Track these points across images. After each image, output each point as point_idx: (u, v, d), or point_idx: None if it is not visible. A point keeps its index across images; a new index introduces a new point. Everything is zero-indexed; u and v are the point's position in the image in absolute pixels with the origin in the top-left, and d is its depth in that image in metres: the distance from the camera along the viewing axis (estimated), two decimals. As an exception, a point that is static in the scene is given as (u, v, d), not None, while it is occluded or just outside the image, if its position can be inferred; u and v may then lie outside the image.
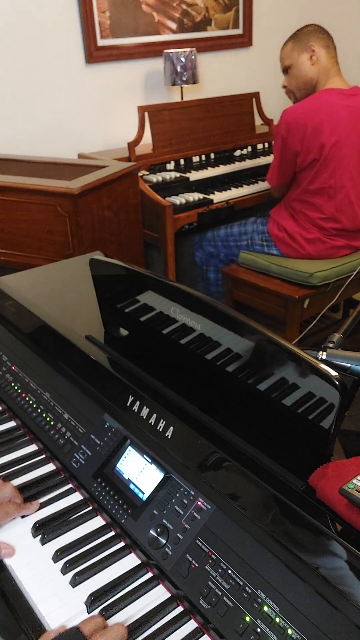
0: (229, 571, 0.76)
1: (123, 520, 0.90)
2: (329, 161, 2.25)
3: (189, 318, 0.96)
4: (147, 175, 2.76)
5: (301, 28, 2.42)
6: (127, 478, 0.94)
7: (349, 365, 0.91)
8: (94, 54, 2.91)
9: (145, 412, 0.97)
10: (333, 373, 0.78)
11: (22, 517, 0.96)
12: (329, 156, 2.24)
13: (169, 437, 0.92)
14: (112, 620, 0.79)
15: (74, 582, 0.84)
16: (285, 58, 2.44)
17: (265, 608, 0.71)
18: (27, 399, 1.16)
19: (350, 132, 2.26)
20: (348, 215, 2.35)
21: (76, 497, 1.00)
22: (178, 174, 2.79)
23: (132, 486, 0.92)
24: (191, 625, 0.78)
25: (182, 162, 2.90)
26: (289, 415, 0.86)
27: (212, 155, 3.00)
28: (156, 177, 2.73)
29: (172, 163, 2.87)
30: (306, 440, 0.85)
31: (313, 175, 2.29)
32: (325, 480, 0.78)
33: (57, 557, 0.88)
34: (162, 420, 0.94)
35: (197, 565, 0.79)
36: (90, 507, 0.98)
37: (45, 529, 0.93)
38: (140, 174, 2.62)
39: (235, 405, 0.96)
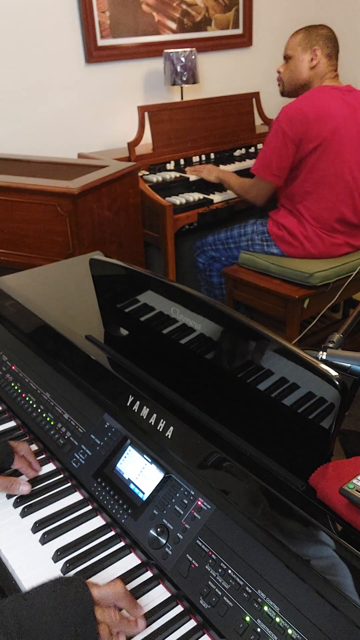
0: (229, 571, 0.76)
1: (123, 520, 0.90)
2: (329, 148, 2.26)
3: (189, 318, 0.96)
4: (147, 175, 2.76)
5: (316, 25, 2.43)
6: (127, 478, 0.94)
7: (349, 365, 0.91)
8: (94, 54, 2.91)
9: (145, 412, 0.97)
10: (333, 373, 0.78)
11: (22, 516, 0.96)
12: (330, 143, 2.25)
13: (169, 437, 0.92)
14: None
15: (74, 582, 0.84)
16: (290, 48, 2.45)
17: (265, 608, 0.71)
18: (27, 399, 1.16)
19: (347, 123, 2.27)
20: (348, 205, 2.35)
21: (76, 496, 1.00)
22: (178, 174, 2.79)
23: (132, 486, 0.92)
24: (191, 624, 0.78)
25: (182, 162, 2.90)
26: (289, 415, 0.86)
27: (212, 155, 3.01)
28: (156, 177, 2.73)
29: (172, 163, 2.87)
30: (306, 440, 0.85)
31: (313, 163, 2.29)
32: (325, 480, 0.78)
33: (57, 556, 0.88)
34: (162, 420, 0.94)
35: (197, 565, 0.79)
36: (90, 507, 0.98)
37: (45, 529, 0.93)
38: (140, 174, 2.62)
39: (235, 405, 0.96)
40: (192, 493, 0.85)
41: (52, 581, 0.71)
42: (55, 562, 0.88)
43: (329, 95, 2.30)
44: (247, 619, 0.72)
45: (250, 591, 0.73)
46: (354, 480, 0.74)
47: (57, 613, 0.65)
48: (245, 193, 2.57)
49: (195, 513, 0.83)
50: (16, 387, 1.20)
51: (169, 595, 0.82)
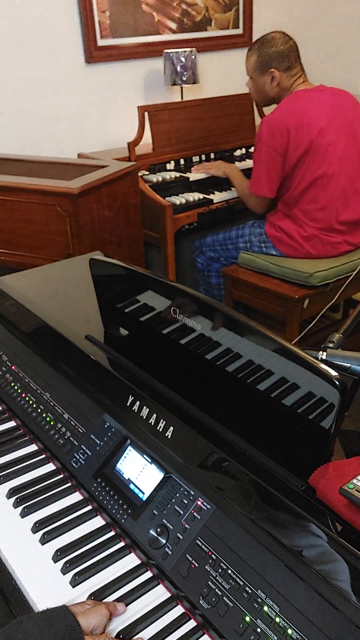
0: (229, 571, 0.76)
1: (123, 520, 0.90)
2: (318, 151, 2.27)
3: (189, 318, 0.96)
4: (147, 175, 2.76)
5: (267, 40, 2.40)
6: (127, 478, 0.94)
7: (349, 365, 0.91)
8: (94, 54, 2.91)
9: (145, 412, 0.97)
10: (333, 373, 0.78)
11: (22, 516, 0.96)
12: (317, 145, 2.26)
13: (169, 437, 0.92)
14: (113, 621, 0.79)
15: (74, 582, 0.84)
16: (249, 69, 2.47)
17: (265, 608, 0.71)
18: (27, 399, 1.16)
19: (330, 123, 2.27)
20: (342, 202, 2.35)
21: (76, 497, 1.00)
22: (178, 174, 2.79)
23: (132, 486, 0.92)
24: (191, 625, 0.78)
25: (182, 162, 2.90)
26: (289, 415, 0.86)
27: (212, 155, 3.00)
28: (156, 177, 2.73)
29: (172, 163, 2.87)
30: (306, 440, 0.85)
31: (305, 168, 2.30)
32: (325, 480, 0.78)
33: (57, 557, 0.88)
34: (162, 420, 0.94)
35: (197, 565, 0.79)
36: (90, 507, 0.98)
37: (45, 529, 0.93)
38: (140, 174, 2.62)
39: (235, 405, 0.96)
40: (192, 493, 0.85)
41: (40, 613, 0.74)
42: (55, 562, 0.88)
43: (306, 99, 2.31)
44: (247, 619, 0.72)
45: (250, 591, 0.73)
46: (354, 480, 0.74)
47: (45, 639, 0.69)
48: (243, 199, 2.60)
49: (195, 513, 0.83)
50: (16, 387, 1.20)
51: (169, 595, 0.82)
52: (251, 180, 2.46)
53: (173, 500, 0.86)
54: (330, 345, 0.99)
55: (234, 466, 0.84)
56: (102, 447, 0.99)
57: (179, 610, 0.80)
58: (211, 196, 2.71)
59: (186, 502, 0.85)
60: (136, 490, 0.92)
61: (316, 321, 2.33)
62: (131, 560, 0.88)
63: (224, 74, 3.44)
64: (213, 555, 0.79)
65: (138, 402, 0.99)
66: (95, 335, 1.18)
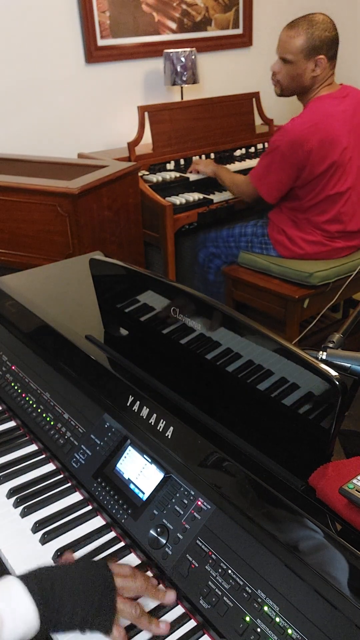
0: (229, 571, 0.76)
1: (123, 520, 0.90)
2: (336, 171, 2.25)
3: (189, 318, 0.96)
4: (147, 175, 2.76)
5: (317, 22, 2.19)
6: (127, 478, 0.94)
7: (349, 365, 0.91)
8: (94, 54, 2.91)
9: (145, 412, 0.97)
10: (333, 373, 0.78)
11: (22, 516, 0.96)
12: (336, 166, 2.24)
13: (169, 437, 0.92)
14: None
15: (74, 582, 0.84)
16: (290, 52, 2.22)
17: (265, 608, 0.71)
18: (27, 399, 1.16)
19: (350, 136, 2.25)
20: (350, 215, 2.35)
21: (76, 497, 1.00)
22: (178, 174, 2.79)
23: (132, 486, 0.92)
24: (191, 624, 0.78)
25: (182, 162, 2.90)
26: (289, 415, 0.86)
27: (212, 155, 3.00)
28: (156, 177, 2.73)
29: (172, 163, 2.87)
30: (306, 440, 0.85)
31: (321, 186, 2.27)
32: (325, 480, 0.78)
33: (57, 557, 0.88)
34: (162, 420, 0.94)
35: (197, 565, 0.79)
36: (90, 507, 0.98)
37: (45, 529, 0.93)
38: (140, 174, 2.62)
39: (235, 405, 0.96)
40: (192, 493, 0.85)
41: (82, 560, 0.82)
42: (55, 562, 0.88)
43: (329, 112, 2.21)
44: (247, 619, 0.72)
45: (250, 591, 0.73)
46: (354, 480, 0.74)
47: (84, 583, 0.75)
48: (235, 187, 2.57)
49: (195, 513, 0.83)
50: (16, 387, 1.20)
51: (169, 595, 0.82)
52: (256, 174, 2.39)
53: (173, 500, 0.86)
54: (330, 345, 0.99)
55: (234, 466, 0.84)
56: (102, 447, 0.99)
57: (179, 610, 0.80)
58: (211, 196, 2.71)
59: (186, 502, 0.85)
60: (136, 490, 0.92)
61: (316, 321, 2.33)
62: (131, 561, 0.88)
63: (224, 74, 3.44)
64: (213, 555, 0.79)
65: (138, 402, 0.99)
66: (95, 335, 1.18)
